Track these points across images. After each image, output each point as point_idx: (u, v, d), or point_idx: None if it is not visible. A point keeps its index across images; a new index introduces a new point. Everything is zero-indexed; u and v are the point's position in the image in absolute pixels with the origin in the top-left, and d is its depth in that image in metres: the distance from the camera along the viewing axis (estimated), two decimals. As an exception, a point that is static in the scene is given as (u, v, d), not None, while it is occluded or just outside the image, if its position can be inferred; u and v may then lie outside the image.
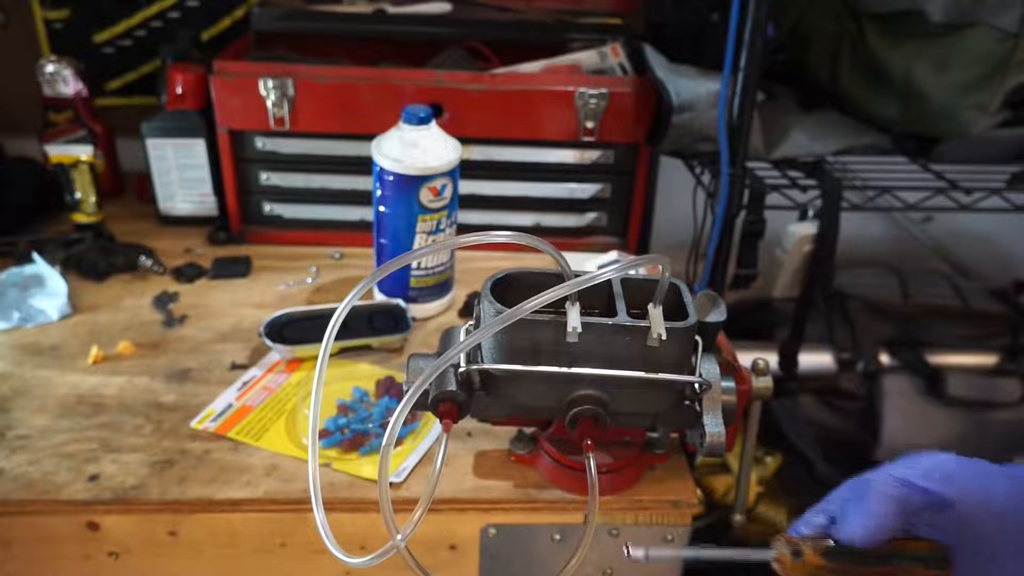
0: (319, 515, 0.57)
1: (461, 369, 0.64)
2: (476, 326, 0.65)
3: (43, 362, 0.88)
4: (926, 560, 0.51)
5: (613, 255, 1.10)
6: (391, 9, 1.25)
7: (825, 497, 0.53)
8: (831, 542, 0.51)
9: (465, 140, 0.98)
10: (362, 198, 1.11)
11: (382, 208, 0.94)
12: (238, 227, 1.16)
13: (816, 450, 1.30)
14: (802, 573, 0.51)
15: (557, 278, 0.59)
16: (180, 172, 1.14)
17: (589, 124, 1.09)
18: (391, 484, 0.73)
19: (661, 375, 0.62)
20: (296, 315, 0.92)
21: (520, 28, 1.24)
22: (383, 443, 0.55)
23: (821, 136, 1.12)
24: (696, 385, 0.64)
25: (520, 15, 1.27)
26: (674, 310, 0.64)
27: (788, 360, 1.25)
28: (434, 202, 0.92)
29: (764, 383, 0.70)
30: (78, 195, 1.10)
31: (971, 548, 0.48)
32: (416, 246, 0.94)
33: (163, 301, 1.00)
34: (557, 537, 0.74)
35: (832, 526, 0.51)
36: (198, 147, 1.12)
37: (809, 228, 1.30)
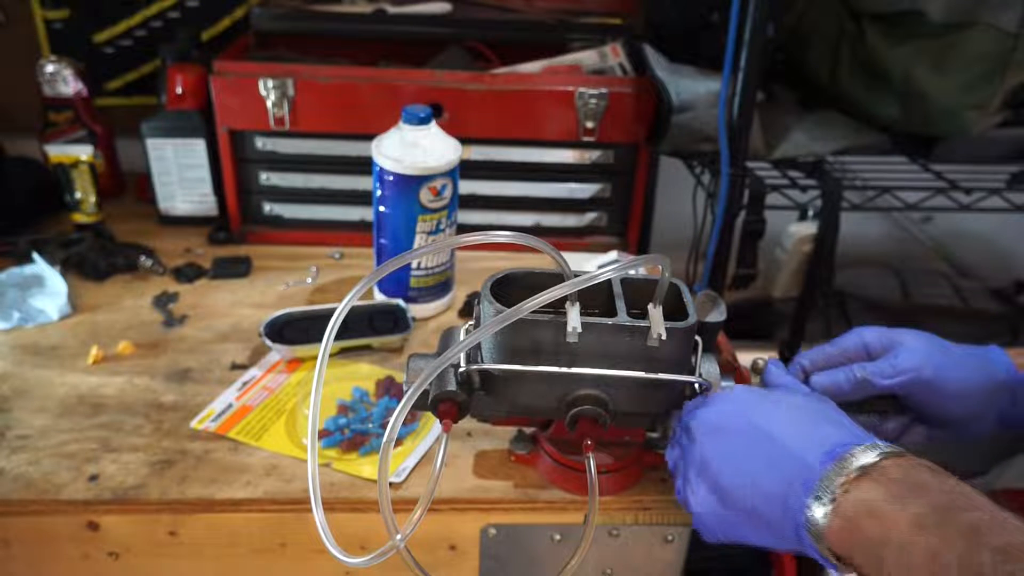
0: (319, 515, 0.57)
1: (461, 369, 0.64)
2: (476, 326, 0.65)
3: (43, 362, 0.88)
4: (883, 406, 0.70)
5: (613, 255, 1.10)
6: (391, 9, 1.25)
7: (838, 339, 0.71)
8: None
9: (465, 140, 0.98)
10: (362, 198, 1.11)
11: (382, 208, 0.94)
12: (238, 227, 1.16)
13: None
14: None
15: (557, 278, 0.59)
16: (180, 172, 1.14)
17: (589, 124, 1.09)
18: (391, 484, 0.73)
19: (661, 375, 0.62)
20: (296, 315, 0.92)
21: (520, 28, 1.24)
22: (383, 443, 0.55)
23: (821, 136, 1.12)
24: (696, 385, 0.64)
25: (520, 15, 1.27)
26: (674, 310, 0.64)
27: (788, 360, 1.25)
28: (434, 202, 0.92)
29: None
30: (78, 195, 1.10)
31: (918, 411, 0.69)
32: (416, 246, 0.94)
33: (163, 301, 1.00)
34: (557, 537, 0.74)
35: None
36: (198, 147, 1.12)
37: (809, 228, 1.31)
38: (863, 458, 0.50)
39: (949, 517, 0.45)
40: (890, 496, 0.48)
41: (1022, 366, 0.69)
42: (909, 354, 0.67)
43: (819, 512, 0.50)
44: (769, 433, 0.56)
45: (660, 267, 0.59)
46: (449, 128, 0.95)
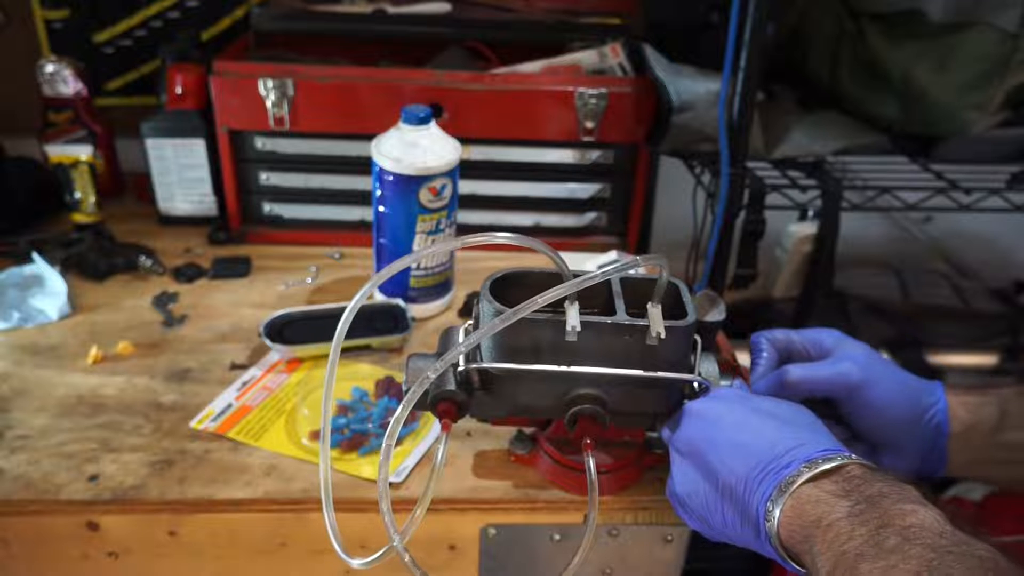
0: (328, 516, 0.58)
1: (460, 369, 0.64)
2: (475, 326, 0.65)
3: (43, 362, 0.88)
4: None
5: (613, 255, 1.10)
6: (391, 9, 1.25)
7: (803, 331, 0.71)
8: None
9: (465, 140, 0.98)
10: (362, 198, 1.11)
11: (382, 208, 0.94)
12: (238, 227, 1.16)
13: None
14: None
15: (556, 278, 0.59)
16: (180, 172, 1.14)
17: (589, 124, 1.09)
18: (391, 484, 0.73)
19: (660, 374, 0.62)
20: (296, 315, 0.92)
21: (520, 28, 1.24)
22: (383, 443, 0.55)
23: (821, 136, 1.12)
24: (695, 384, 0.64)
25: (520, 15, 1.27)
26: (673, 310, 0.64)
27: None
28: (434, 202, 0.92)
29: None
30: (78, 195, 1.10)
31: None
32: (416, 246, 0.94)
33: (163, 301, 1.00)
34: (557, 537, 0.74)
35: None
36: (198, 147, 1.12)
37: (809, 228, 1.31)
38: (831, 463, 0.52)
39: (875, 502, 0.48)
40: (838, 489, 0.50)
41: (957, 406, 0.68)
42: (845, 358, 0.68)
43: (777, 505, 0.52)
44: (750, 423, 0.58)
45: (659, 267, 0.59)
46: (449, 128, 0.95)
